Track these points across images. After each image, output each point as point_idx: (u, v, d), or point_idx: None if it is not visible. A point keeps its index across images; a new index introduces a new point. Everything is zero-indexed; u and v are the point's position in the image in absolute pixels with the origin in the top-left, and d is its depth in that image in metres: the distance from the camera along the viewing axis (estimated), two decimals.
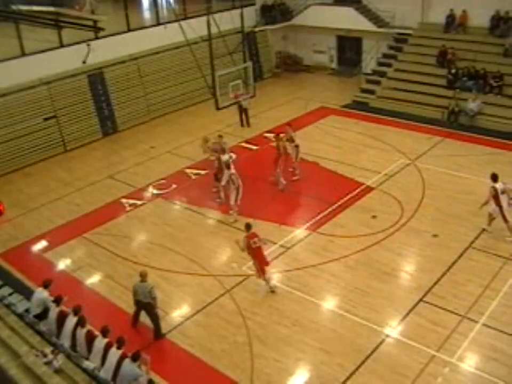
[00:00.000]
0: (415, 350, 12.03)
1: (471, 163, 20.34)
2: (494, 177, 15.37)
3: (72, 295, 13.06)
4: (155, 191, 19.80)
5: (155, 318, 12.75)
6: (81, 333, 11.19)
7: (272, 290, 14.10)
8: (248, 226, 14.18)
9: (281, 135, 19.67)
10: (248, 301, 13.91)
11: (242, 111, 24.64)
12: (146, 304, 12.64)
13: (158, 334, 12.80)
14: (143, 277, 12.55)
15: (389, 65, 28.37)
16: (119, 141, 24.83)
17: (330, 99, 28.19)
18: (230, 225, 17.24)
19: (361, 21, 29.48)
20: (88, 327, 11.36)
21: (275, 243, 16.12)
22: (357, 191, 18.80)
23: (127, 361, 10.32)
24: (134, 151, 23.36)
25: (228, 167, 17.42)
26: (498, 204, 15.31)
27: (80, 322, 11.29)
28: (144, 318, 13.13)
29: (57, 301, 11.94)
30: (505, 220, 15.45)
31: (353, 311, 13.27)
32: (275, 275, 14.82)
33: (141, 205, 18.95)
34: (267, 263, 14.14)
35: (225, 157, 17.87)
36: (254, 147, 22.67)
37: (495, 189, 15.26)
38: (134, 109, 26.38)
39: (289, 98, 28.75)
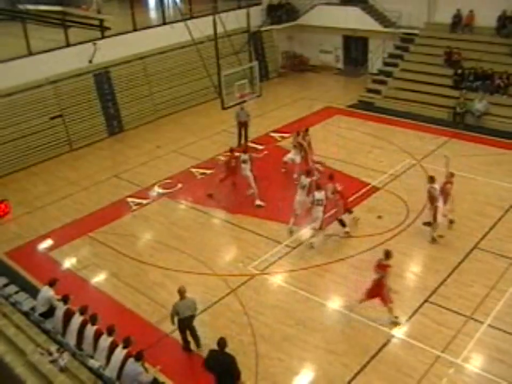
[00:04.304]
0: (420, 351, 12.00)
1: (477, 163, 20.26)
2: (432, 179, 15.66)
3: (78, 294, 13.09)
4: (161, 191, 19.82)
5: None
6: (91, 330, 11.25)
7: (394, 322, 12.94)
8: (387, 255, 12.73)
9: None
10: (253, 300, 13.91)
11: (242, 126, 22.77)
12: None
13: None
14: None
15: (395, 65, 28.32)
16: (125, 140, 24.87)
17: (336, 99, 28.16)
18: (235, 225, 17.27)
19: (368, 21, 29.45)
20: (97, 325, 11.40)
21: (280, 242, 16.16)
22: (363, 191, 18.76)
23: (130, 361, 10.38)
24: (140, 150, 23.40)
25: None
26: (434, 203, 15.48)
27: (91, 320, 11.35)
28: (145, 313, 13.14)
29: (65, 299, 11.99)
30: (435, 219, 15.56)
31: (358, 311, 13.24)
32: (280, 275, 14.84)
33: (146, 204, 18.98)
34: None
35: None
36: (260, 147, 22.65)
37: (434, 189, 15.45)
38: (140, 108, 26.42)
39: (295, 98, 28.74)
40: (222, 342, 10.44)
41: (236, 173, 18.81)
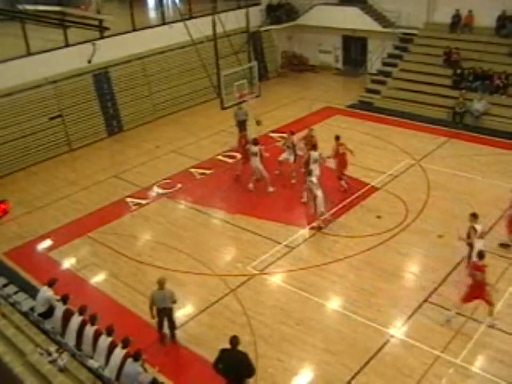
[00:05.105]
0: (419, 351, 12.00)
1: (477, 163, 20.27)
2: (475, 216, 13.90)
3: (77, 294, 13.06)
4: (160, 191, 19.81)
5: None
6: (91, 330, 11.25)
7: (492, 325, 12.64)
8: (481, 255, 12.42)
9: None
10: (253, 300, 13.90)
11: (241, 125, 22.64)
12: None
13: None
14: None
15: (395, 65, 28.32)
16: (124, 140, 24.86)
17: (335, 99, 28.17)
18: (234, 225, 17.26)
19: (367, 21, 29.46)
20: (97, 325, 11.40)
21: (280, 243, 16.15)
22: (362, 191, 18.77)
23: (129, 361, 10.40)
24: (139, 150, 23.40)
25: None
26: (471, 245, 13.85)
27: (91, 320, 11.35)
28: (144, 313, 13.17)
29: (64, 299, 11.99)
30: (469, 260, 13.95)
31: (357, 311, 13.25)
32: (279, 275, 14.84)
33: (146, 204, 18.97)
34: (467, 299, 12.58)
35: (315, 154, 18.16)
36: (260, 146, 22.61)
37: (475, 230, 13.76)
38: (139, 108, 26.41)
39: (295, 98, 28.74)
40: (234, 340, 10.22)
41: (247, 154, 19.37)
